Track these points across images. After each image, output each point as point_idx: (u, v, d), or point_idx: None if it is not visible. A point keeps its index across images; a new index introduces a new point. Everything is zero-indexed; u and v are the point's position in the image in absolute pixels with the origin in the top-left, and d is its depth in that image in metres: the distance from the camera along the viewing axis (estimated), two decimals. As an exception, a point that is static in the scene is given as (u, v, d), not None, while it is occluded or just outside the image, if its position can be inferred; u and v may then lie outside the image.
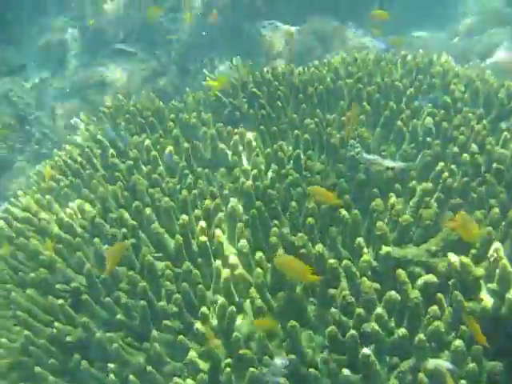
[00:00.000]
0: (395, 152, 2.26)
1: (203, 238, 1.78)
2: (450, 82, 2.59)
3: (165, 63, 4.64)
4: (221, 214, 1.94)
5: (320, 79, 2.76)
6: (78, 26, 5.50)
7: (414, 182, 1.98)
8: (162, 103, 2.85)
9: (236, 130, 2.48)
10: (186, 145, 2.40)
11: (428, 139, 2.27)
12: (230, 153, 2.38)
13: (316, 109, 2.60)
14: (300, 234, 1.73)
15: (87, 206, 2.08)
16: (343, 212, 1.82)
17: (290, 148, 2.46)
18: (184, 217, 1.85)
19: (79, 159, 2.42)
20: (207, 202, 1.96)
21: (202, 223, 1.84)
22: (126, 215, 1.99)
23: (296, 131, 2.43)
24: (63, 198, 2.24)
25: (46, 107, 4.62)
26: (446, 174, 1.96)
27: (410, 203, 1.91)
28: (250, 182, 2.00)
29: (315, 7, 5.00)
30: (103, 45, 5.27)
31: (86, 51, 5.43)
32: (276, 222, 1.88)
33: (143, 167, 2.35)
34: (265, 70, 2.96)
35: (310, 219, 1.79)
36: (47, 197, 2.20)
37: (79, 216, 2.10)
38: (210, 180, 2.26)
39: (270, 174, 2.23)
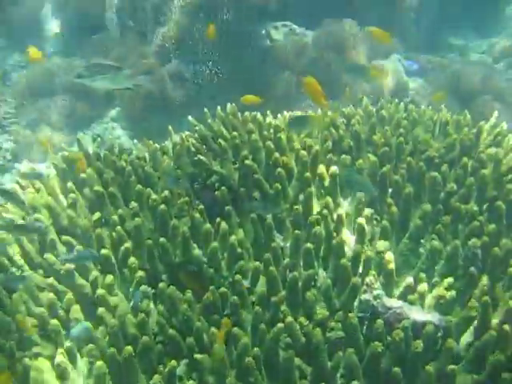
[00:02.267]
0: (426, 288, 1.72)
1: None
2: (505, 177, 2.03)
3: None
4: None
5: (337, 141, 2.21)
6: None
7: (453, 366, 1.44)
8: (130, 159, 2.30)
9: (219, 221, 1.95)
10: (148, 241, 1.86)
11: (472, 270, 1.72)
12: (205, 260, 1.84)
13: (326, 194, 2.07)
14: None
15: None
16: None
17: (287, 249, 1.94)
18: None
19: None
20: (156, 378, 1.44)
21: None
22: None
23: (297, 231, 1.90)
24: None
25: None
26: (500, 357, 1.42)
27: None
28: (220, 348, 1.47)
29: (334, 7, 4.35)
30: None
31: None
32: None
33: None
34: (268, 120, 2.40)
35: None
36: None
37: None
38: (173, 300, 1.72)
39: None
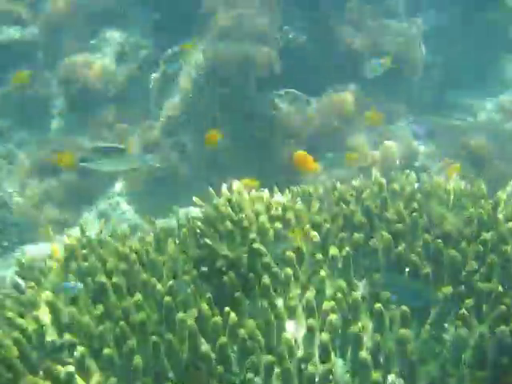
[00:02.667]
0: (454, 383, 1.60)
1: None
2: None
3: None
4: None
5: (348, 217, 2.13)
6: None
7: None
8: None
9: (228, 311, 1.85)
10: (153, 338, 1.77)
11: (504, 361, 1.60)
12: (214, 356, 1.74)
13: (340, 276, 1.98)
14: None
15: None
16: None
17: (300, 338, 1.84)
18: None
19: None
20: None
21: None
22: None
23: (310, 321, 1.80)
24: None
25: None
26: None
27: None
28: None
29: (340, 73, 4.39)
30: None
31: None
32: None
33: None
34: (275, 198, 2.34)
35: None
36: None
37: None
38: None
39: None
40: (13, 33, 5.02)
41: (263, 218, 2.13)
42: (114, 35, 4.81)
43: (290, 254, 2.00)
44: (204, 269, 2.17)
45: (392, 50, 4.29)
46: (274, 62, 3.87)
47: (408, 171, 2.54)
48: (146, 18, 4.80)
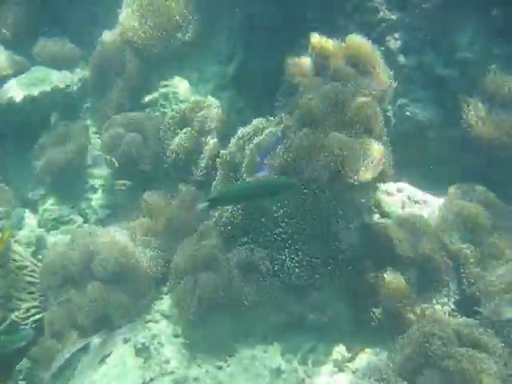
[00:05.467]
0: None
1: None
2: None
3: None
4: None
5: None
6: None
7: None
8: None
9: None
10: None
11: None
12: None
13: None
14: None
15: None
16: None
17: None
18: None
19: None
20: None
21: None
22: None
23: None
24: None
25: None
26: None
27: None
28: None
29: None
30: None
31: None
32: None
33: None
34: None
35: None
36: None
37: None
38: None
39: None
40: (59, 79, 4.29)
41: None
42: (177, 91, 3.97)
43: None
44: None
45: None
46: (382, 161, 2.87)
47: None
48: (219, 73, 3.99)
